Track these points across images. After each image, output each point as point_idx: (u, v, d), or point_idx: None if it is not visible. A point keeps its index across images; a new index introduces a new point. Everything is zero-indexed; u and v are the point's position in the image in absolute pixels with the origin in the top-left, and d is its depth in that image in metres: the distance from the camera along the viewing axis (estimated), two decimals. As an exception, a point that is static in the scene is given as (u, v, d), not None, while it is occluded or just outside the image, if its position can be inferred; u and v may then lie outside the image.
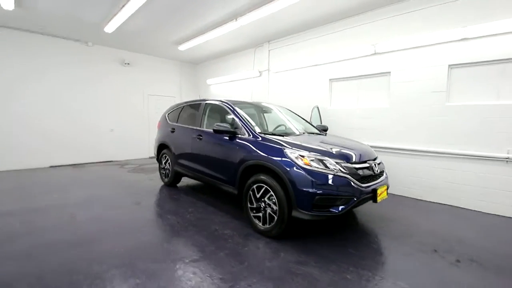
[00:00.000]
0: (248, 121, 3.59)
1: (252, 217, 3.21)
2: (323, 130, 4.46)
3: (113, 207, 3.99)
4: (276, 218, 2.92)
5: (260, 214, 3.11)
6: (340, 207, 2.70)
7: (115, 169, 7.02)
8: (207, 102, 4.50)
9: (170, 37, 6.82)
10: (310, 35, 6.10)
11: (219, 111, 4.25)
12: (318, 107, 5.72)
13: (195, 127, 4.43)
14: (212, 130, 3.83)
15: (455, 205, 4.25)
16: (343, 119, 5.58)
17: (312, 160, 2.77)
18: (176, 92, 9.57)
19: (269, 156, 3.00)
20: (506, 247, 2.94)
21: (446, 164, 4.34)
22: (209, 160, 3.97)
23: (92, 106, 7.66)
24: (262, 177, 3.04)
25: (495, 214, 3.87)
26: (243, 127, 3.53)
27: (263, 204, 3.07)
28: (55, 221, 3.43)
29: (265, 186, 3.01)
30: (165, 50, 8.23)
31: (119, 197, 4.50)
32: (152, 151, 8.87)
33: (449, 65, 4.24)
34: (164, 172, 5.29)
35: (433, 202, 4.45)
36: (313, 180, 2.66)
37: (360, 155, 3.14)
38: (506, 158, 3.78)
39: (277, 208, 2.89)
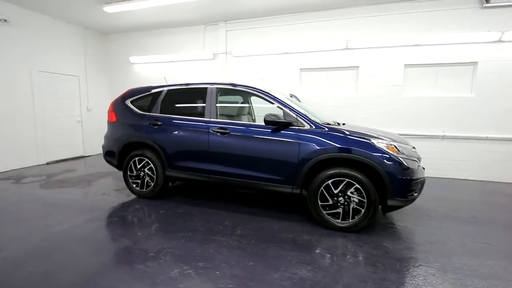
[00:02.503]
0: (301, 111, 3.18)
1: (326, 215, 2.96)
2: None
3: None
4: (363, 211, 2.84)
5: (339, 210, 2.91)
6: (418, 190, 2.96)
7: (11, 188, 4.42)
8: (218, 87, 3.58)
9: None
10: (281, 22, 5.95)
11: (240, 98, 3.51)
12: (296, 96, 5.76)
13: (207, 119, 3.46)
14: (243, 122, 3.24)
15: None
16: (313, 108, 5.91)
17: (398, 149, 2.85)
18: (79, 70, 6.90)
19: (356, 148, 2.83)
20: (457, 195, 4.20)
21: (400, 143, 5.56)
22: (247, 159, 3.24)
23: None
24: (345, 170, 2.84)
25: (439, 177, 5.35)
26: (300, 118, 3.10)
27: (342, 199, 2.89)
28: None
29: (347, 180, 2.84)
30: (69, 10, 5.71)
31: (100, 242, 2.92)
32: (49, 155, 6.21)
33: (405, 65, 5.34)
34: (139, 181, 3.84)
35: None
36: (407, 167, 2.75)
37: (407, 142, 3.48)
38: (442, 136, 5.29)
39: (366, 200, 2.81)
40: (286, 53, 5.99)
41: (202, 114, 3.56)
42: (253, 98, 4.14)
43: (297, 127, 3.07)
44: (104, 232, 2.90)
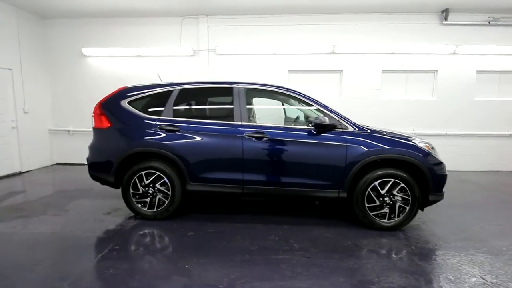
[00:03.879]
0: (342, 114, 3.12)
1: (372, 216, 2.99)
2: None
3: None
4: (407, 208, 2.96)
5: (386, 210, 2.97)
6: (445, 185, 3.27)
7: None
8: (245, 86, 3.22)
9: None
10: (268, 22, 5.78)
11: (270, 100, 3.23)
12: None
13: (238, 122, 3.06)
14: (281, 125, 3.10)
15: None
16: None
17: (432, 147, 3.07)
18: (12, 62, 5.28)
19: (402, 148, 2.92)
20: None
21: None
22: (290, 165, 3.01)
23: None
24: (392, 171, 2.90)
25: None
26: (342, 120, 3.04)
27: (387, 199, 2.96)
28: None
29: (393, 180, 2.92)
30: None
31: None
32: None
33: (382, 70, 5.89)
34: (147, 200, 3.13)
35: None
36: (441, 162, 2.99)
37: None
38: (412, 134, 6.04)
39: (410, 198, 2.94)
40: (274, 54, 5.88)
41: (229, 117, 3.15)
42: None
43: (341, 130, 3.01)
44: (139, 271, 2.24)
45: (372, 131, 3.05)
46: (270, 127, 3.07)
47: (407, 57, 5.82)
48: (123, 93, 3.31)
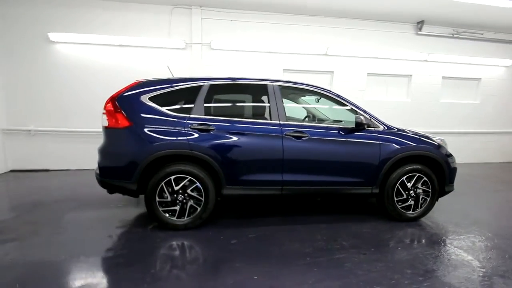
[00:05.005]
0: (372, 113, 3.25)
1: (400, 209, 3.20)
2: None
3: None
4: (428, 200, 3.24)
5: (411, 203, 3.21)
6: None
7: None
8: (281, 84, 3.10)
9: None
10: (265, 19, 5.69)
11: (301, 98, 3.20)
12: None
13: (277, 121, 2.94)
14: (319, 124, 3.13)
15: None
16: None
17: (445, 143, 3.41)
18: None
19: (425, 145, 3.18)
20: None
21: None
22: (329, 164, 3.02)
23: None
24: (415, 166, 3.15)
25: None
26: (373, 119, 3.17)
27: (412, 192, 3.20)
28: None
29: (417, 174, 3.17)
30: None
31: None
32: None
33: (367, 73, 6.33)
34: (176, 207, 2.79)
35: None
36: (453, 157, 3.35)
37: None
38: (392, 132, 6.64)
39: (431, 190, 3.23)
40: (270, 52, 5.82)
41: (265, 116, 3.01)
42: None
43: (373, 128, 3.15)
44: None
45: (398, 129, 3.25)
46: (310, 126, 3.05)
47: (387, 62, 6.37)
48: (142, 87, 2.89)
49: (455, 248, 2.64)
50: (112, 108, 2.78)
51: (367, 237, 2.86)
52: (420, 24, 6.18)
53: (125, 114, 2.76)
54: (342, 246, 2.65)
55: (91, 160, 5.55)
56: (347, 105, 3.20)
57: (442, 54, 6.40)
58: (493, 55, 6.62)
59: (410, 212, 3.24)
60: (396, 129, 3.24)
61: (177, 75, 5.39)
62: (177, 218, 2.83)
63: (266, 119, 3.02)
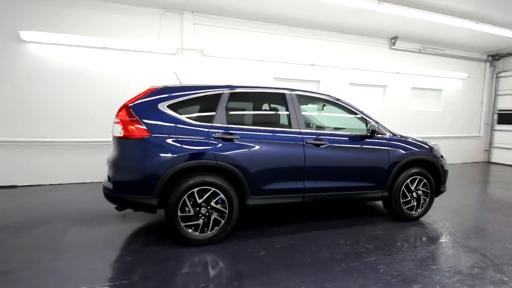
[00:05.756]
0: (379, 122, 3.45)
1: (406, 210, 3.44)
2: None
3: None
4: (427, 200, 3.54)
5: (414, 203, 3.47)
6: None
7: None
8: (298, 93, 3.16)
9: None
10: (257, 28, 5.74)
11: (315, 106, 3.29)
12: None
13: (297, 129, 2.98)
14: (334, 132, 3.26)
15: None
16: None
17: (438, 148, 3.77)
18: None
19: (424, 151, 3.48)
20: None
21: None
22: (346, 170, 3.14)
23: None
24: (417, 169, 3.43)
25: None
26: (381, 127, 3.38)
27: (415, 193, 3.47)
28: None
29: (419, 177, 3.46)
30: None
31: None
32: None
33: (349, 83, 6.75)
34: (199, 222, 2.63)
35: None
36: (445, 160, 3.72)
37: None
38: (372, 137, 7.14)
39: (429, 191, 3.53)
40: (262, 60, 5.88)
41: (285, 124, 3.03)
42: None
43: (381, 135, 3.36)
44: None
45: (401, 136, 3.52)
46: (328, 134, 3.15)
47: (366, 73, 6.88)
48: (159, 94, 2.71)
49: (461, 240, 2.93)
50: (128, 117, 2.55)
51: (385, 238, 3.02)
52: (394, 39, 6.81)
53: (142, 124, 2.55)
54: (367, 249, 2.75)
55: (66, 174, 5.01)
56: (359, 114, 3.38)
57: (411, 67, 7.13)
58: (452, 69, 7.58)
59: (414, 212, 3.50)
60: (399, 136, 3.50)
61: (168, 82, 5.19)
62: (199, 233, 2.68)
63: (285, 127, 3.04)
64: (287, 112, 3.06)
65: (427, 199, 3.56)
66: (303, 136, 2.99)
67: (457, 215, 3.78)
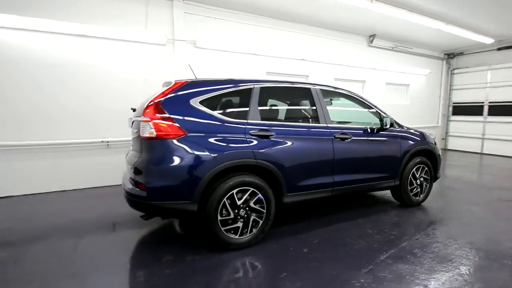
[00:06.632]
0: (390, 116, 3.64)
1: (412, 197, 3.72)
2: None
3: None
4: (428, 186, 3.88)
5: (418, 190, 3.77)
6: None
7: None
8: (322, 88, 3.16)
9: None
10: (249, 21, 5.57)
11: (342, 101, 3.39)
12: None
13: (325, 124, 2.98)
14: (355, 126, 3.34)
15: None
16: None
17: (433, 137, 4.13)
18: None
19: (427, 141, 3.79)
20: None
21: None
22: (366, 162, 3.26)
23: None
24: (421, 158, 3.73)
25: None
26: (390, 120, 3.55)
27: (419, 180, 3.77)
28: None
29: (422, 165, 3.76)
30: None
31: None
32: None
33: (334, 78, 7.00)
34: (239, 224, 2.49)
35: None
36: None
37: None
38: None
39: (429, 177, 3.87)
40: (254, 54, 5.75)
41: (314, 119, 3.03)
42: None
43: (393, 128, 3.55)
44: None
45: (407, 128, 3.78)
46: (351, 128, 3.22)
47: (348, 69, 7.21)
48: (189, 88, 2.46)
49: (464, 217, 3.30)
50: (159, 115, 2.27)
51: (404, 224, 3.23)
52: (372, 37, 7.25)
53: (177, 122, 2.29)
54: (395, 236, 2.92)
55: (41, 182, 4.31)
56: (373, 109, 3.52)
57: (386, 63, 7.69)
58: (418, 65, 8.37)
59: (418, 198, 3.82)
60: (406, 128, 3.76)
61: (161, 75, 4.78)
62: (239, 236, 2.54)
63: (314, 122, 3.03)
64: (314, 107, 3.06)
65: (428, 185, 3.91)
66: (331, 130, 3.03)
67: (442, 197, 4.24)
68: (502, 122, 7.96)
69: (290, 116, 3.14)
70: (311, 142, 2.88)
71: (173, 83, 2.49)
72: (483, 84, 8.34)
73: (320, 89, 3.17)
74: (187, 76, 4.93)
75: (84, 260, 2.43)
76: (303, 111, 3.18)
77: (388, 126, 3.37)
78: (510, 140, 7.78)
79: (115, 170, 4.57)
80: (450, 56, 9.06)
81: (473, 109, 8.64)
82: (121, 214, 3.41)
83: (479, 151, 8.52)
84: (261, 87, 2.80)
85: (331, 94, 3.38)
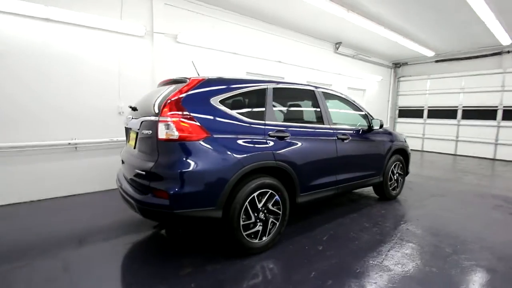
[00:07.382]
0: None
1: (391, 191, 4.14)
2: None
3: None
4: (402, 180, 4.36)
5: (395, 185, 4.21)
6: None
7: None
8: (323, 91, 3.29)
9: None
10: (229, 18, 5.43)
11: (336, 103, 3.54)
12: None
13: (328, 125, 3.11)
14: (353, 127, 3.59)
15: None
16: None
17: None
18: None
19: (403, 141, 4.26)
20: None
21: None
22: (360, 161, 3.52)
23: None
24: (398, 156, 4.17)
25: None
26: (380, 122, 3.85)
27: (396, 176, 4.21)
28: None
29: (398, 162, 4.21)
30: None
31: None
32: None
33: (307, 81, 7.30)
34: (259, 228, 2.42)
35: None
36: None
37: None
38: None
39: (403, 172, 4.35)
40: (235, 53, 5.64)
41: (319, 120, 3.13)
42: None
43: (375, 129, 3.88)
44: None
45: (387, 129, 4.17)
46: (348, 128, 3.41)
47: (318, 73, 7.63)
48: (207, 87, 2.29)
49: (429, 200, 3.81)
50: (180, 115, 2.07)
51: (391, 217, 3.56)
52: (338, 44, 7.80)
53: (199, 122, 2.12)
54: (390, 227, 3.22)
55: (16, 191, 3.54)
56: (363, 112, 3.80)
57: (348, 69, 8.36)
58: (373, 72, 9.31)
59: (395, 191, 4.26)
60: (386, 129, 4.15)
61: (135, 68, 4.36)
62: (258, 240, 2.48)
63: (320, 123, 3.13)
64: (318, 109, 3.16)
65: (402, 180, 4.40)
66: (335, 131, 3.17)
67: (409, 190, 4.84)
68: (438, 124, 9.39)
69: (299, 117, 3.20)
70: (319, 142, 2.99)
71: (188, 80, 2.30)
72: (423, 91, 9.72)
73: (322, 92, 3.30)
74: (166, 72, 4.62)
75: (94, 275, 2.08)
76: (309, 112, 3.26)
77: (378, 128, 3.68)
78: (444, 139, 9.24)
79: (83, 175, 4.02)
80: (397, 65, 10.32)
81: (415, 112, 10.00)
82: (98, 227, 3.01)
83: (420, 149, 9.90)
84: (273, 88, 2.78)
85: (329, 96, 3.55)
